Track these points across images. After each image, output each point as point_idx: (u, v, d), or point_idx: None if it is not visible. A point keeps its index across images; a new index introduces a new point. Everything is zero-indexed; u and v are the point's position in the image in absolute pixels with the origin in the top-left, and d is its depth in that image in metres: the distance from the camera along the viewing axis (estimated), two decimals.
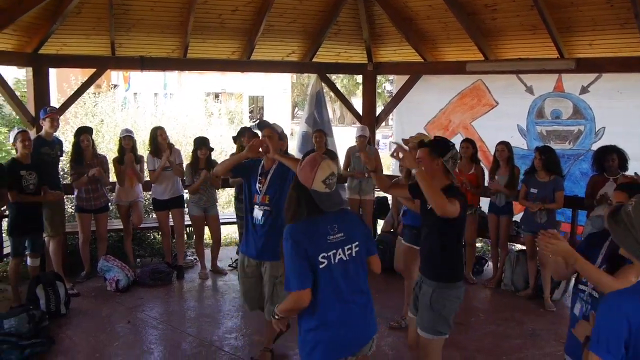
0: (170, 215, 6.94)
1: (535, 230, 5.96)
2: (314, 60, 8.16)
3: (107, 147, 11.20)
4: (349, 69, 9.44)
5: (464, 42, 7.35)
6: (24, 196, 5.43)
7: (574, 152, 7.22)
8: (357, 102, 10.47)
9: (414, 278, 4.21)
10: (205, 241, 7.44)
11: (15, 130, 5.66)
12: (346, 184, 7.64)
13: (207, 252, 7.26)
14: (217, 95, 24.76)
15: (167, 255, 7.11)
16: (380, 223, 8.23)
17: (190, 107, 17.10)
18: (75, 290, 6.21)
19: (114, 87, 19.40)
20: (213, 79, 24.27)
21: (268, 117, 26.89)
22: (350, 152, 7.40)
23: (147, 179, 6.94)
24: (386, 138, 24.46)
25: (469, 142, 6.62)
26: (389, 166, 11.00)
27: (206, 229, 7.19)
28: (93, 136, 6.61)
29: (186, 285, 6.72)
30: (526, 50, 7.09)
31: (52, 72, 7.26)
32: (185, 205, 7.40)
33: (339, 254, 2.75)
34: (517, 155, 6.85)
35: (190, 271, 7.14)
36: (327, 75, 8.75)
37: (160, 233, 7.52)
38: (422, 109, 8.37)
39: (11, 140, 5.66)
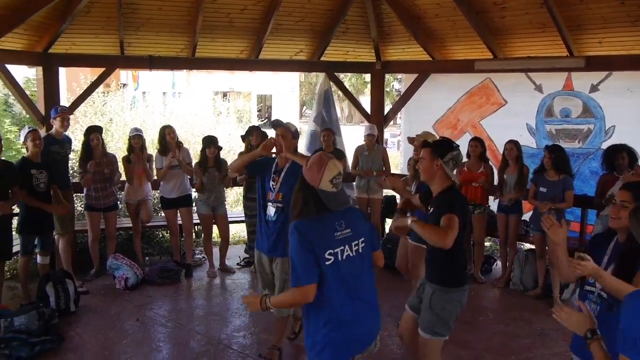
0: (178, 214, 6.97)
1: (544, 230, 5.94)
2: (322, 59, 8.16)
3: (116, 145, 11.25)
4: (357, 67, 9.44)
5: (473, 41, 7.32)
6: (33, 200, 5.46)
7: (584, 150, 7.19)
8: (365, 101, 10.47)
9: (420, 276, 4.21)
10: (213, 240, 7.46)
11: (26, 129, 5.69)
12: (354, 183, 7.65)
13: (216, 251, 7.28)
14: (225, 94, 24.78)
15: (175, 254, 7.14)
16: (388, 222, 8.22)
17: (199, 106, 17.13)
18: (84, 288, 6.25)
19: (123, 86, 19.48)
20: (221, 78, 24.32)
21: (276, 115, 26.95)
22: (359, 151, 7.39)
23: (156, 177, 6.97)
24: (394, 137, 24.44)
25: (477, 141, 6.60)
26: (397, 165, 10.99)
27: (214, 228, 7.21)
28: (102, 135, 6.64)
29: (194, 284, 6.74)
30: (535, 49, 7.06)
31: (62, 71, 7.31)
32: (194, 204, 7.43)
33: (346, 251, 2.76)
34: (526, 154, 6.81)
35: (199, 269, 7.16)
36: (335, 74, 8.74)
37: (168, 231, 7.55)
38: (431, 107, 8.35)
39: (22, 139, 5.69)
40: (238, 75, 23.94)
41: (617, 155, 5.69)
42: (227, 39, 7.60)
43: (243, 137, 6.93)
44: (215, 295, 6.44)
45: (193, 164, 6.87)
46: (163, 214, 7.32)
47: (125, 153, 6.88)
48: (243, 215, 7.23)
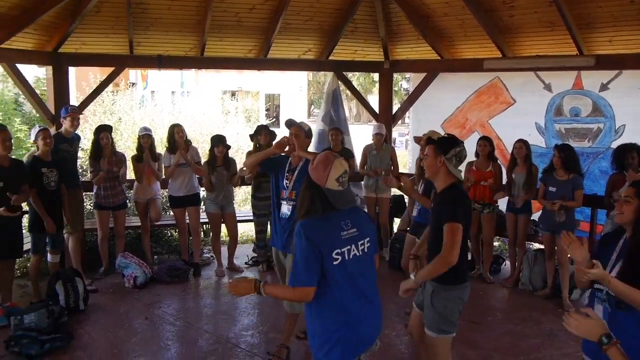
0: (186, 213, 6.99)
1: (554, 230, 5.92)
2: (331, 58, 8.15)
3: (125, 144, 11.28)
4: (366, 67, 9.42)
5: (481, 39, 7.30)
6: (38, 202, 5.50)
7: (593, 150, 7.14)
8: (374, 100, 10.47)
9: None
10: (222, 239, 7.47)
11: (37, 128, 5.73)
12: (362, 182, 7.64)
13: (224, 250, 7.30)
14: (233, 94, 24.81)
15: (183, 252, 7.17)
16: (397, 222, 8.22)
17: (207, 105, 17.13)
18: (93, 286, 6.29)
19: (132, 85, 19.52)
20: (230, 77, 24.37)
21: (284, 115, 26.99)
22: (367, 150, 7.39)
23: (164, 176, 6.99)
24: (402, 136, 24.41)
25: (486, 140, 6.57)
26: (406, 164, 10.97)
27: (223, 227, 7.22)
28: (112, 134, 6.67)
29: (203, 283, 6.76)
30: (544, 47, 7.02)
31: (71, 71, 7.34)
32: (202, 202, 7.45)
33: (353, 250, 2.76)
34: (535, 154, 6.78)
35: (207, 268, 7.18)
36: (344, 73, 8.73)
37: (177, 230, 7.58)
38: (439, 106, 8.32)
39: (32, 137, 5.73)
40: (246, 75, 23.96)
41: (627, 155, 5.65)
42: (235, 38, 7.61)
43: (251, 136, 6.94)
44: (224, 294, 6.45)
45: (202, 162, 6.89)
46: (171, 213, 7.35)
47: (134, 152, 6.91)
48: (251, 214, 7.24)
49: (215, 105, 17.90)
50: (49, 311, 5.01)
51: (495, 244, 7.73)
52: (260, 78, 24.63)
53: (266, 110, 27.54)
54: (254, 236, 7.52)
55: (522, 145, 6.37)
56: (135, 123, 12.74)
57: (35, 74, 13.35)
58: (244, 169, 5.61)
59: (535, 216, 6.64)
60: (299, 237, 2.68)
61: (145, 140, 6.76)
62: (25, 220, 5.93)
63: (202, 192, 7.35)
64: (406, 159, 12.15)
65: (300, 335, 5.00)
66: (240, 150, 12.01)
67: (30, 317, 4.90)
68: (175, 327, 5.46)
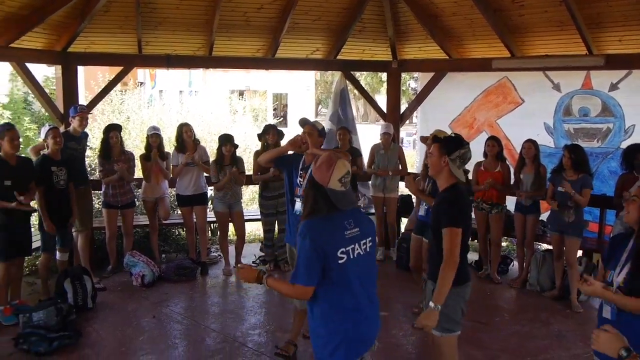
0: (193, 212, 7.01)
1: (562, 230, 5.89)
2: (339, 57, 8.15)
3: (134, 143, 11.32)
4: (374, 66, 9.41)
5: (490, 39, 7.27)
6: (42, 202, 5.53)
7: (603, 150, 7.10)
8: (381, 100, 10.46)
9: None
10: (229, 238, 7.49)
11: (47, 127, 5.76)
12: (370, 182, 7.63)
13: (231, 249, 7.31)
14: (241, 93, 24.87)
15: (191, 251, 7.19)
16: (404, 221, 8.20)
17: (215, 105, 17.18)
18: (101, 284, 6.31)
19: (140, 84, 19.60)
20: (237, 77, 24.42)
21: (292, 114, 27.02)
22: (375, 149, 7.38)
23: (172, 175, 7.01)
24: (410, 136, 24.39)
25: (494, 140, 6.55)
26: (413, 164, 10.95)
27: (230, 226, 7.24)
28: (121, 133, 6.70)
29: (210, 281, 6.77)
30: (554, 47, 6.99)
31: (80, 70, 7.37)
32: (210, 201, 7.46)
33: (357, 249, 2.79)
34: (544, 154, 6.74)
35: (215, 267, 7.20)
36: (352, 72, 8.72)
37: (185, 229, 7.60)
38: (447, 106, 8.29)
39: (42, 136, 5.76)
40: (254, 74, 23.99)
41: (637, 155, 5.62)
42: (243, 37, 7.62)
43: (259, 136, 6.94)
44: (231, 293, 6.47)
45: (210, 161, 6.90)
46: (179, 212, 7.37)
47: (143, 151, 6.93)
48: (259, 213, 7.25)
49: (223, 105, 17.95)
50: (57, 309, 5.04)
51: (503, 244, 7.70)
52: (268, 77, 24.67)
53: (274, 109, 27.58)
54: (262, 235, 7.53)
55: (530, 145, 6.33)
56: (144, 122, 12.80)
57: (45, 73, 13.44)
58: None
59: (544, 216, 6.61)
60: (303, 237, 2.70)
61: (153, 139, 6.78)
62: (34, 218, 5.97)
63: (210, 191, 7.37)
64: (414, 158, 12.12)
65: (307, 334, 5.00)
66: (247, 149, 12.03)
67: (39, 315, 4.93)
68: (182, 326, 5.47)
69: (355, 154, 7.13)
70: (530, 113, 7.59)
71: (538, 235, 6.77)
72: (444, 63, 7.96)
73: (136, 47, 7.18)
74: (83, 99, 9.33)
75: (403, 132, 17.71)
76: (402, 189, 7.39)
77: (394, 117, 8.34)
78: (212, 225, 7.90)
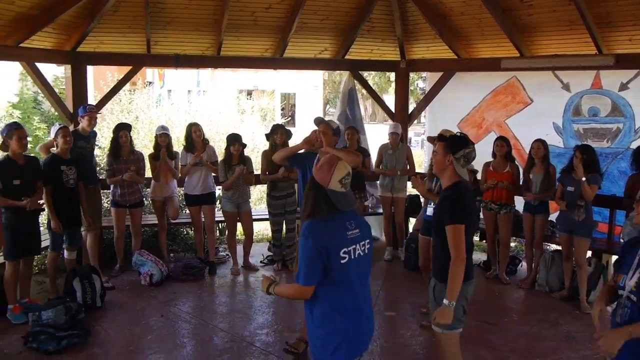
0: (202, 211, 7.02)
1: (571, 230, 5.85)
2: (347, 57, 8.14)
3: (142, 143, 11.36)
4: (382, 66, 9.40)
5: (499, 38, 7.24)
6: (50, 202, 5.55)
7: (612, 150, 7.05)
8: (390, 100, 10.44)
9: None
10: (237, 237, 7.50)
11: (57, 126, 5.79)
12: (378, 182, 7.63)
13: (240, 248, 7.33)
14: (249, 93, 24.91)
15: (199, 250, 7.20)
16: (412, 221, 8.18)
17: (223, 104, 17.20)
18: (110, 283, 6.34)
19: (149, 84, 19.68)
20: (245, 77, 24.47)
21: (300, 114, 27.03)
22: (383, 149, 7.38)
23: (180, 174, 7.02)
24: (418, 136, 24.33)
25: (503, 141, 6.52)
26: (421, 164, 10.93)
27: (238, 225, 7.25)
28: (130, 133, 6.72)
29: (218, 281, 6.79)
30: (563, 47, 6.96)
31: (89, 69, 7.40)
32: (218, 201, 7.47)
33: (358, 250, 2.82)
34: (553, 154, 6.71)
35: (223, 267, 7.21)
36: (360, 72, 8.72)
37: (193, 228, 7.61)
38: (455, 106, 8.27)
39: (52, 135, 5.79)
40: (262, 74, 24.03)
41: None
42: (252, 37, 7.63)
43: (267, 136, 6.95)
44: (239, 293, 6.48)
45: (219, 161, 6.92)
46: (188, 211, 7.39)
47: (151, 150, 6.95)
48: (267, 213, 7.25)
49: (231, 104, 17.96)
50: (66, 308, 5.07)
51: (512, 244, 7.66)
52: (276, 77, 24.70)
53: (282, 109, 27.59)
54: (270, 235, 7.54)
55: (540, 145, 6.30)
56: (152, 122, 12.84)
57: (54, 72, 13.49)
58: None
59: (553, 217, 6.57)
60: (304, 237, 2.73)
61: (162, 139, 6.80)
62: (43, 217, 6.00)
63: (218, 191, 7.38)
64: (422, 158, 12.10)
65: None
66: (255, 149, 12.04)
67: (47, 314, 4.96)
68: (190, 325, 5.49)
69: (364, 153, 7.12)
70: (540, 113, 7.55)
71: (547, 236, 6.73)
72: (452, 63, 7.94)
73: (145, 46, 7.21)
74: (92, 98, 9.38)
75: (411, 132, 17.68)
76: (410, 189, 7.38)
77: (402, 117, 8.32)
78: (220, 224, 7.92)
